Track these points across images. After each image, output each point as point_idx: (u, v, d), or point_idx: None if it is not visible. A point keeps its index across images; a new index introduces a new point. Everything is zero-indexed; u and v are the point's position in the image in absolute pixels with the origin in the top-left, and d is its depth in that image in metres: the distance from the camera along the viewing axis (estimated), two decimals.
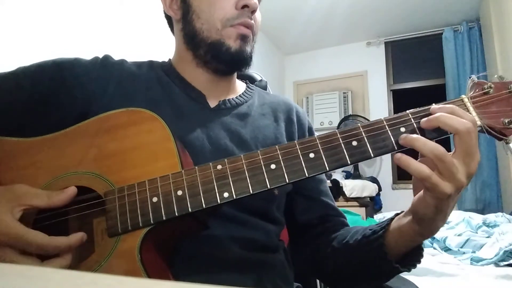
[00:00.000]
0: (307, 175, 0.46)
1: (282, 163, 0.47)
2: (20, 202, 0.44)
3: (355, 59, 4.10)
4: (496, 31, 2.86)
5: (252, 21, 0.65)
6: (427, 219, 0.47)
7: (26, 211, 0.45)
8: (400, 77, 4.00)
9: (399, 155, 0.45)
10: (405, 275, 0.86)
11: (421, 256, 0.54)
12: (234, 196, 0.46)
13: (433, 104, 0.48)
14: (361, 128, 0.47)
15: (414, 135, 0.45)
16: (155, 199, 0.46)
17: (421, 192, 0.46)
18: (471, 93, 0.49)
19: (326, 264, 0.65)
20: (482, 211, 2.96)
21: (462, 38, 3.59)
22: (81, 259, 0.46)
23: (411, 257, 0.54)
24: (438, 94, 3.67)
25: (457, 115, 0.44)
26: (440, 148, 0.43)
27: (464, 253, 1.70)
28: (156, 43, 2.00)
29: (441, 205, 0.44)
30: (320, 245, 0.66)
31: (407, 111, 0.48)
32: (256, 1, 0.65)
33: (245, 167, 0.47)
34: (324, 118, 4.03)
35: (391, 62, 4.03)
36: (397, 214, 0.54)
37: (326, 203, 0.72)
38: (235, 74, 0.74)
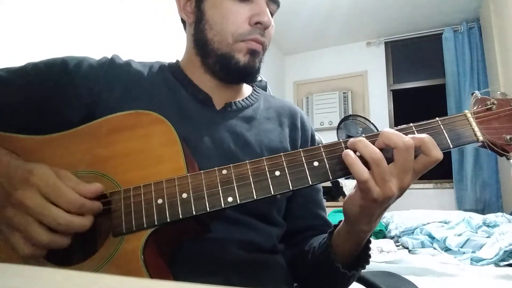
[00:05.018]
0: (310, 183, 0.47)
1: (286, 171, 0.47)
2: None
3: (355, 59, 4.10)
4: (496, 31, 2.86)
5: (264, 38, 0.65)
6: (352, 218, 0.51)
7: None
8: (400, 77, 4.00)
9: (347, 151, 0.47)
10: (405, 275, 0.87)
11: (366, 261, 0.57)
12: (238, 201, 0.46)
13: (437, 118, 0.50)
14: (364, 138, 0.48)
15: (358, 138, 0.47)
16: (160, 201, 0.47)
17: (353, 190, 0.49)
18: (474, 108, 0.50)
19: (298, 267, 0.67)
20: (482, 211, 2.96)
21: (462, 38, 3.59)
22: (84, 258, 0.47)
23: (357, 260, 0.57)
24: (438, 94, 3.68)
25: (424, 147, 0.45)
26: (378, 154, 0.45)
27: (464, 253, 1.70)
28: (157, 43, 2.00)
29: (366, 207, 0.48)
30: (297, 251, 0.68)
31: (411, 124, 0.49)
32: (270, 18, 0.64)
33: (250, 173, 0.48)
34: (324, 118, 4.03)
35: (391, 62, 4.03)
36: None
37: (317, 213, 0.73)
38: None
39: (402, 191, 0.47)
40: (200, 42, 0.66)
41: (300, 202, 0.72)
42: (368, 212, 0.48)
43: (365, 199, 0.47)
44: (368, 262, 0.57)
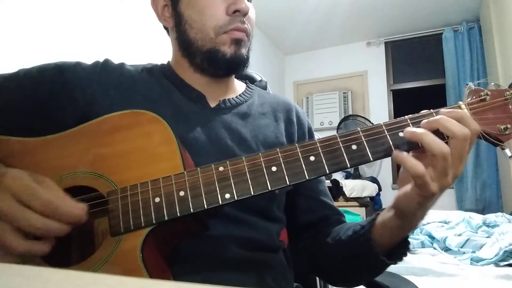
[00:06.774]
0: (307, 177, 0.47)
1: (283, 166, 0.47)
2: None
3: (355, 59, 4.10)
4: (496, 31, 2.86)
5: (245, 25, 0.65)
6: (409, 214, 0.49)
7: None
8: (400, 77, 4.01)
9: (398, 151, 0.46)
10: (405, 275, 0.87)
11: (407, 249, 0.56)
12: (236, 197, 0.46)
13: (431, 110, 0.49)
14: (360, 132, 0.48)
15: (423, 130, 0.45)
16: (157, 200, 0.47)
17: (407, 187, 0.48)
18: (468, 99, 0.51)
19: (322, 260, 0.66)
20: (482, 211, 2.97)
21: (462, 38, 3.59)
22: (82, 258, 0.46)
23: (398, 250, 0.56)
24: (438, 94, 3.68)
25: (463, 122, 0.45)
26: (447, 147, 0.43)
27: (464, 253, 1.71)
28: (156, 44, 2.00)
29: (424, 202, 0.46)
30: (317, 242, 0.67)
31: (406, 116, 0.49)
32: (247, 4, 0.64)
33: (246, 169, 0.47)
34: (324, 118, 4.04)
35: (391, 62, 4.04)
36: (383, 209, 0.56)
37: (326, 203, 0.72)
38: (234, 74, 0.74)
39: (456, 178, 0.46)
40: (184, 44, 0.67)
41: (306, 195, 0.71)
42: (426, 205, 0.48)
43: (423, 195, 0.45)
44: (406, 254, 0.57)
